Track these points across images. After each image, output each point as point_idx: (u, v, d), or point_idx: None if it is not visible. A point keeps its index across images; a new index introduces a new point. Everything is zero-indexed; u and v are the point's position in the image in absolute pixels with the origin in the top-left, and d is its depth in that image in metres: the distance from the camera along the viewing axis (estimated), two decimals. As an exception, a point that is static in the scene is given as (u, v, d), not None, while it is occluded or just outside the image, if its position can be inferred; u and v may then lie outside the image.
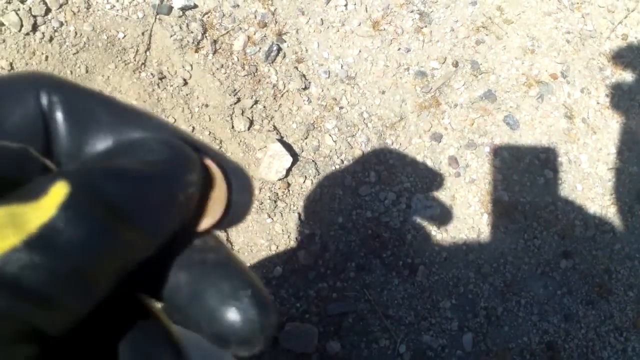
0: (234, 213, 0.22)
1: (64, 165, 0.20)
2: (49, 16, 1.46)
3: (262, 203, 1.47)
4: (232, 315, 0.19)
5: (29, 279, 0.15)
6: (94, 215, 0.16)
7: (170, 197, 0.18)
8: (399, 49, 1.67)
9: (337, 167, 1.52)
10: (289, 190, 1.48)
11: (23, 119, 0.19)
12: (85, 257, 0.15)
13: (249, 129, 1.50)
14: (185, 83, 1.51)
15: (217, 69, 1.53)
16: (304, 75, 1.58)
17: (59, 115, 0.20)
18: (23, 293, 0.14)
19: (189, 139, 0.21)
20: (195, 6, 1.56)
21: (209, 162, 0.21)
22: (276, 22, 1.62)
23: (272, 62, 1.58)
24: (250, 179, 0.22)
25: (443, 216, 1.53)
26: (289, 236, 1.45)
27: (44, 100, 0.19)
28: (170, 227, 0.18)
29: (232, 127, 1.50)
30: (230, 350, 0.20)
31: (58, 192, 0.16)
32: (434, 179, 1.56)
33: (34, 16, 1.44)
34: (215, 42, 1.55)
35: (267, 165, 1.46)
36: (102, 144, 0.20)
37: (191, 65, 1.52)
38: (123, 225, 0.16)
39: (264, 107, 1.53)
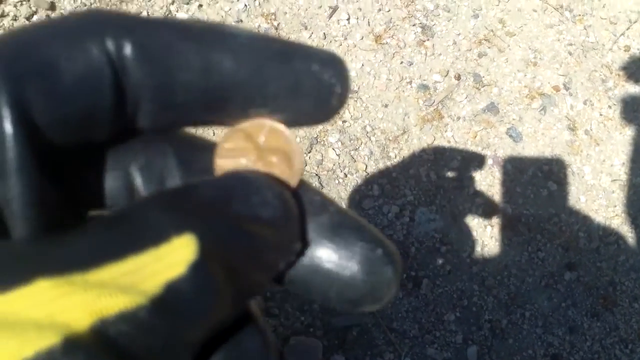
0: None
1: (152, 121, 0.19)
2: None
3: (266, 217, 1.47)
4: (369, 281, 0.19)
5: (142, 343, 0.13)
6: (218, 279, 0.15)
7: (276, 262, 0.18)
8: (402, 63, 1.67)
9: (341, 180, 1.53)
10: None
11: (87, 69, 0.16)
12: (197, 324, 0.14)
13: (252, 143, 1.50)
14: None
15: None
16: (307, 90, 1.59)
17: (131, 60, 0.17)
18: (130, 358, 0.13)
19: (282, 47, 0.19)
20: (199, 22, 1.57)
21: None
22: (280, 36, 1.63)
23: (276, 77, 1.58)
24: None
25: (446, 229, 1.53)
26: (293, 250, 1.45)
27: (111, 45, 0.17)
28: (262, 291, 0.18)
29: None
30: (357, 310, 0.20)
31: (184, 245, 0.14)
32: (437, 192, 1.56)
33: None
34: (218, 57, 1.56)
35: (270, 180, 1.46)
36: (187, 74, 0.17)
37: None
38: (234, 285, 0.16)
39: (268, 121, 1.54)
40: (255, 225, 0.17)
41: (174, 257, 0.14)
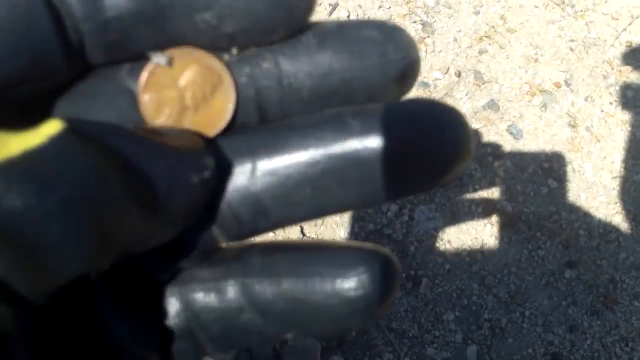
0: None
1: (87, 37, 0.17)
2: None
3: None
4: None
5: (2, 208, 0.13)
6: (90, 155, 0.14)
7: (183, 176, 0.17)
8: (402, 60, 1.66)
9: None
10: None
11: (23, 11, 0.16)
12: (73, 198, 0.14)
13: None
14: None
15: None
16: (306, 88, 1.59)
17: None
18: None
19: None
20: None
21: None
22: None
23: (275, 75, 1.58)
24: None
25: (446, 227, 1.53)
26: (292, 249, 1.45)
27: None
28: (184, 207, 0.17)
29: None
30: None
31: (50, 126, 0.14)
32: (437, 190, 1.55)
33: None
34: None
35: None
36: None
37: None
38: (123, 182, 0.15)
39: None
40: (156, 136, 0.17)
41: (37, 133, 0.14)
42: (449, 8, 1.75)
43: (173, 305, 0.20)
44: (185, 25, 0.17)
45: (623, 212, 1.61)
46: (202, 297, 0.20)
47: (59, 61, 0.17)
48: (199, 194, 0.17)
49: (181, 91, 0.19)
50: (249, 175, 0.19)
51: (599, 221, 1.59)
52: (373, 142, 0.18)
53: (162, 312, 0.20)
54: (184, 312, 0.20)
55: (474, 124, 1.63)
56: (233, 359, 0.21)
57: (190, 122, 0.19)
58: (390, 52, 0.19)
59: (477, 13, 1.75)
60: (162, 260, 0.20)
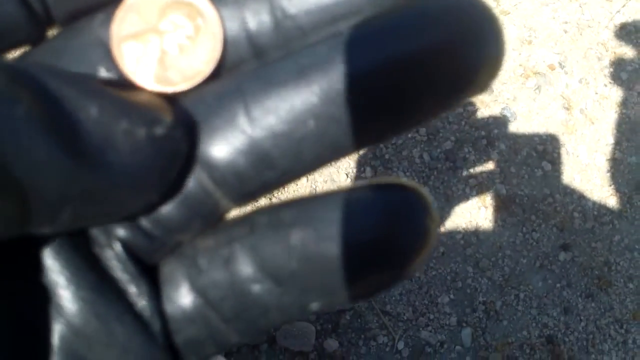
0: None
1: None
2: None
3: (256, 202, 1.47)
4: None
5: None
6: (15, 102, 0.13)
7: (124, 127, 0.15)
8: (395, 42, 1.65)
9: (332, 162, 1.52)
10: (283, 188, 1.48)
11: None
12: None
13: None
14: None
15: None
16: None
17: None
18: None
19: None
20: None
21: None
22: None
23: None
24: None
25: (440, 211, 1.52)
26: (285, 233, 1.44)
27: None
28: (131, 164, 0.15)
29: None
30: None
31: None
32: (431, 174, 1.55)
33: None
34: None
35: (262, 163, 1.46)
36: None
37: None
38: (31, 108, 0.13)
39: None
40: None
41: None
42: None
43: (176, 285, 0.18)
44: None
45: (617, 194, 1.60)
46: (208, 269, 0.17)
47: (20, 22, 0.16)
48: (148, 152, 0.15)
49: (160, 35, 0.17)
50: (243, 117, 0.17)
51: (594, 203, 1.59)
52: (377, 55, 0.16)
53: (162, 296, 0.18)
54: (191, 292, 0.17)
55: (468, 106, 1.62)
56: None
57: (174, 70, 0.17)
58: None
59: (470, -5, 1.74)
60: (153, 234, 0.17)
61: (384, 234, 0.17)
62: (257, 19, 0.17)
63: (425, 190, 0.17)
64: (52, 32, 0.18)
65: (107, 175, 0.14)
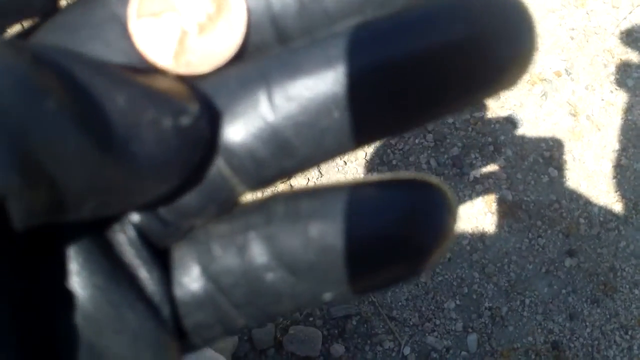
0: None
1: None
2: None
3: (265, 206, 1.48)
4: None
5: None
6: (20, 61, 0.13)
7: (149, 117, 0.15)
8: (402, 49, 1.66)
9: (340, 168, 1.52)
10: (302, 174, 1.49)
11: None
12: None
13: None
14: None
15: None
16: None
17: None
18: None
19: None
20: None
21: None
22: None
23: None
24: None
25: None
26: (292, 239, 1.45)
27: None
28: (154, 155, 0.15)
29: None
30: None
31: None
32: (438, 179, 1.55)
33: None
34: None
35: (270, 168, 1.46)
36: None
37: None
38: (62, 102, 0.13)
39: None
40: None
41: None
42: None
43: (187, 270, 0.17)
44: None
45: (623, 200, 1.61)
46: (221, 256, 0.17)
47: None
48: (173, 142, 0.15)
49: (180, 14, 0.16)
50: (265, 104, 0.16)
51: (600, 210, 1.60)
52: (409, 45, 0.15)
53: (173, 281, 0.17)
54: (202, 277, 0.17)
55: (475, 113, 1.63)
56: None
57: (194, 51, 0.16)
58: None
59: (477, 1, 1.75)
60: (167, 219, 0.17)
61: (405, 231, 0.17)
62: (281, 0, 0.16)
63: (447, 187, 0.17)
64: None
65: (132, 165, 0.14)
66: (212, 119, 0.16)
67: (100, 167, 0.14)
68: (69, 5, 0.17)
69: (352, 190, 0.17)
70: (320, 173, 1.50)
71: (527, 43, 0.16)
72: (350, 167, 1.53)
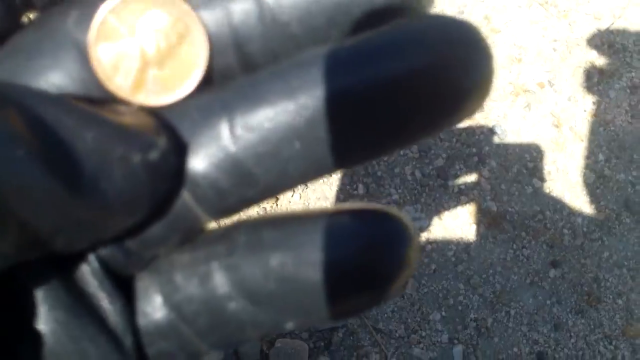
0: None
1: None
2: None
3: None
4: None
5: None
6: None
7: (119, 153, 0.14)
8: (386, 60, 1.67)
9: (325, 180, 1.52)
10: (277, 205, 1.48)
11: None
12: None
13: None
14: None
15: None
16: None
17: None
18: None
19: None
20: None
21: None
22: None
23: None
24: None
25: (432, 228, 1.53)
26: (278, 251, 1.44)
27: None
28: (124, 192, 0.15)
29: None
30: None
31: None
32: (423, 191, 1.56)
33: None
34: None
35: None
36: None
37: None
38: (32, 146, 0.13)
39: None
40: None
41: None
42: (434, 9, 1.75)
43: (150, 299, 0.17)
44: None
45: (606, 211, 1.62)
46: (184, 285, 0.17)
47: None
48: (142, 177, 0.15)
49: (140, 42, 0.16)
50: (226, 135, 0.16)
51: (583, 220, 1.61)
52: (369, 74, 0.15)
53: (136, 310, 0.17)
54: (164, 306, 0.17)
55: (459, 124, 1.64)
56: None
57: (155, 80, 0.16)
58: None
59: (461, 13, 1.76)
60: (130, 249, 0.17)
61: (365, 263, 0.16)
62: (244, 24, 0.16)
63: (408, 219, 0.17)
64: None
65: (101, 203, 0.14)
66: (178, 151, 0.16)
67: (70, 207, 0.14)
68: (25, 27, 0.16)
69: (313, 220, 0.17)
70: (305, 185, 1.50)
71: (486, 71, 0.16)
72: (335, 178, 1.53)
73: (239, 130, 0.16)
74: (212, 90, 0.16)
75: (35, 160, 0.13)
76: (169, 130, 0.16)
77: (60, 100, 0.14)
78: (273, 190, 0.17)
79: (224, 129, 0.16)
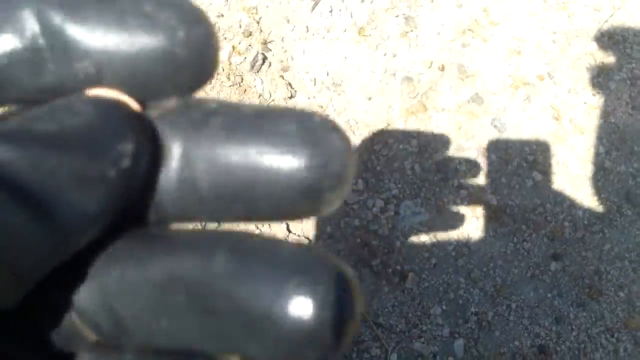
0: None
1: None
2: None
3: (250, 214, 1.47)
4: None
5: None
6: None
7: (93, 173, 0.14)
8: (385, 54, 1.66)
9: (325, 175, 1.52)
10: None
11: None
12: None
13: (235, 139, 1.50)
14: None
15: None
16: (289, 84, 1.58)
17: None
18: None
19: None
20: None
21: None
22: (261, 30, 1.61)
23: (258, 72, 1.57)
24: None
25: (432, 222, 1.53)
26: (278, 247, 1.44)
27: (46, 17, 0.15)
28: (97, 213, 0.14)
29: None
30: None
31: None
32: (422, 185, 1.56)
33: None
34: (199, 52, 1.54)
35: (254, 176, 1.46)
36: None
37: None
38: (16, 207, 0.13)
39: (250, 117, 1.53)
40: (55, 131, 0.14)
41: None
42: (432, 2, 1.75)
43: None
44: (65, 73, 0.16)
45: (607, 203, 1.62)
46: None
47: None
48: (118, 189, 0.15)
49: None
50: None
51: (584, 213, 1.60)
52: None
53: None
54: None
55: (458, 117, 1.63)
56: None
57: None
58: (306, 157, 0.15)
59: (460, 6, 1.75)
60: None
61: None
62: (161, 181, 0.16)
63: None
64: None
65: (79, 229, 0.14)
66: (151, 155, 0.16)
67: (51, 245, 0.14)
68: None
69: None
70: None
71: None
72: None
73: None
74: None
75: (20, 211, 0.13)
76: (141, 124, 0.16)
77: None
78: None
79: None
